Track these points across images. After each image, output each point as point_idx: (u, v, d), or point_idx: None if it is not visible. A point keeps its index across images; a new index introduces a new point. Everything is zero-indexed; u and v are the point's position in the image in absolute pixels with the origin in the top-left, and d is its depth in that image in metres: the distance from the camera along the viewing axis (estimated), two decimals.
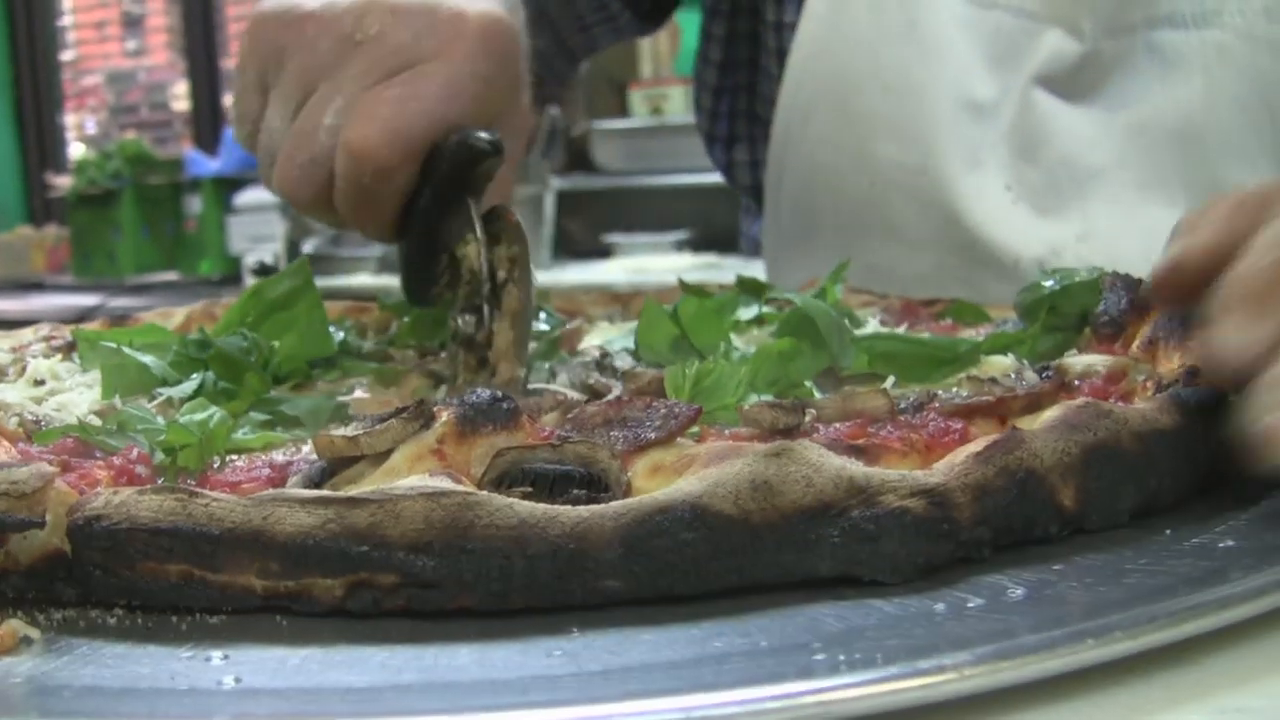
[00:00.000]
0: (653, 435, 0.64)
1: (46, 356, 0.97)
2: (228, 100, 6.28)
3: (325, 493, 0.57)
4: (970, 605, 0.53)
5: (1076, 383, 0.74)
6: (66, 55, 6.71)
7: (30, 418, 0.78)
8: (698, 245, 4.23)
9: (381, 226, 0.93)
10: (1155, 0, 1.26)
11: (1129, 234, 1.20)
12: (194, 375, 0.88)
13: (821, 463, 0.57)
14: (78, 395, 0.86)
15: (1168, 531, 0.62)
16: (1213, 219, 0.72)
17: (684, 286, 1.11)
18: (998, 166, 1.31)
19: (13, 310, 4.27)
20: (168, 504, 0.55)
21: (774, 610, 0.54)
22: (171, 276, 5.02)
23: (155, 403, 0.83)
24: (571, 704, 0.45)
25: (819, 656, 0.48)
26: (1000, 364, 0.80)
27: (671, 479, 0.60)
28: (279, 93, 0.92)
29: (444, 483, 0.57)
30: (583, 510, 0.55)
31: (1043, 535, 0.61)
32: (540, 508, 0.55)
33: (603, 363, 0.88)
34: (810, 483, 0.56)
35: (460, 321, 0.90)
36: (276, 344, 0.96)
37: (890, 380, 0.79)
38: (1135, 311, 0.83)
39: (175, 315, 1.16)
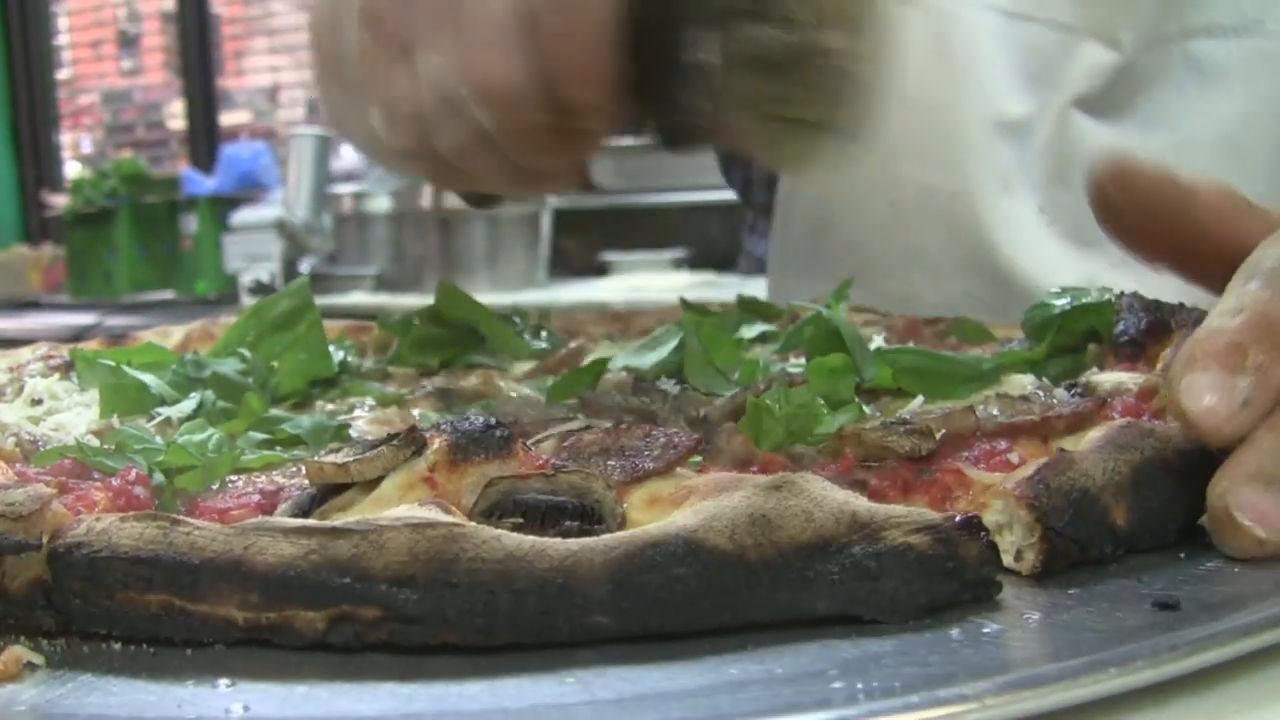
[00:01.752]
0: (650, 465, 0.62)
1: (44, 376, 0.96)
2: (224, 119, 6.30)
3: (309, 522, 0.55)
4: (986, 631, 0.53)
5: (1107, 399, 0.73)
6: (62, 74, 6.72)
7: (28, 437, 0.77)
8: (695, 263, 4.23)
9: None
10: (1192, 9, 1.20)
11: None
12: (192, 394, 0.87)
13: (823, 496, 0.55)
14: (75, 415, 0.86)
15: (1182, 555, 0.61)
16: None
17: (686, 305, 1.11)
18: (1030, 189, 1.25)
19: (9, 329, 4.26)
20: (149, 532, 0.53)
21: (786, 636, 0.52)
22: (168, 295, 5.00)
23: (154, 422, 0.82)
24: None
25: (837, 685, 0.47)
26: (1020, 382, 0.79)
27: (669, 511, 0.58)
28: (425, 30, 0.84)
29: (433, 513, 0.55)
30: (572, 544, 0.53)
31: (1099, 556, 0.60)
32: (529, 541, 0.53)
33: (640, 385, 0.85)
34: (810, 517, 0.54)
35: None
36: (275, 364, 0.95)
37: (920, 399, 0.78)
38: (1153, 333, 0.82)
39: (173, 334, 1.15)
